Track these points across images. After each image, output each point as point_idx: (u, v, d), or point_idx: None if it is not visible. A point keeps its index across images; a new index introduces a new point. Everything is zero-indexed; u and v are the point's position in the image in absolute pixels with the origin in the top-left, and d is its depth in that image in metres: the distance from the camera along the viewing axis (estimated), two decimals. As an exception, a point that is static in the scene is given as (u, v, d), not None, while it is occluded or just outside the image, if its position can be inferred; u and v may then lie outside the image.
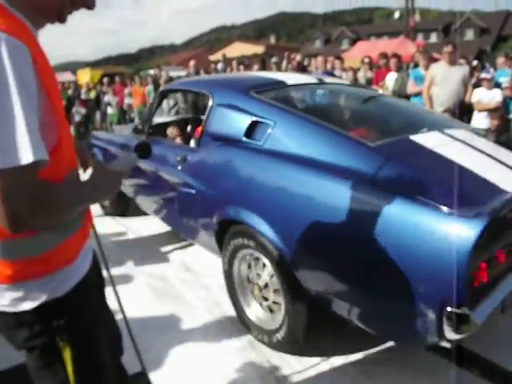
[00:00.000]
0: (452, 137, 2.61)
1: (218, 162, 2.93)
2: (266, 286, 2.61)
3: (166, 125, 4.77)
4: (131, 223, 4.99)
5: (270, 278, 2.56)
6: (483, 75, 6.60)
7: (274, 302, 2.59)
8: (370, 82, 8.70)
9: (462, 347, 2.25)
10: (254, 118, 2.73)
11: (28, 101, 1.00)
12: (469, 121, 6.46)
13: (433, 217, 1.79)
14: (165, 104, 4.92)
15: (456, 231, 1.71)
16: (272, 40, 59.23)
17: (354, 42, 43.42)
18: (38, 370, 1.30)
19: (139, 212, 4.67)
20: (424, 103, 6.36)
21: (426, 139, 2.49)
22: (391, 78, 7.48)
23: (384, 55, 8.27)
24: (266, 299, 2.66)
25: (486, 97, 6.18)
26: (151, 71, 16.56)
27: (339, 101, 3.55)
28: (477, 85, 6.85)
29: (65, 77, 23.18)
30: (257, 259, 2.64)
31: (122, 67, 38.82)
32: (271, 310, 2.65)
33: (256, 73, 4.89)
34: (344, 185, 2.08)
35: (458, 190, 1.74)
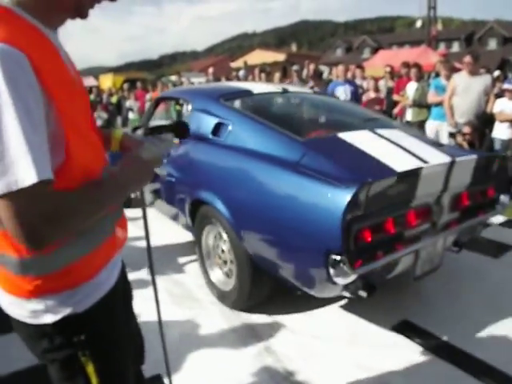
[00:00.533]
0: (379, 135, 3.13)
1: (191, 156, 3.57)
2: (224, 254, 3.26)
3: (160, 127, 5.11)
4: (150, 228, 5.03)
5: (227, 248, 3.16)
6: (506, 86, 6.51)
7: (229, 269, 3.22)
8: (390, 91, 8.68)
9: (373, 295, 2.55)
10: (218, 120, 3.39)
11: (27, 114, 0.92)
12: (490, 131, 6.39)
13: (325, 188, 2.36)
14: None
15: (336, 195, 2.26)
16: (293, 48, 59.33)
17: (375, 51, 43.28)
18: (59, 380, 1.26)
19: (158, 215, 4.70)
20: (445, 113, 6.32)
21: (352, 136, 3.04)
22: (412, 88, 7.46)
23: (406, 64, 8.26)
24: (225, 264, 3.29)
25: (508, 107, 6.11)
26: (173, 77, 16.73)
27: (292, 106, 4.32)
28: (499, 95, 6.78)
29: (88, 82, 23.52)
30: (218, 233, 3.25)
31: (144, 73, 39.28)
32: (227, 275, 3.28)
33: (230, 83, 5.68)
34: (276, 170, 2.72)
35: (356, 170, 2.50)
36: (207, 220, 3.29)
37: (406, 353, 2.68)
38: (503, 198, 3.31)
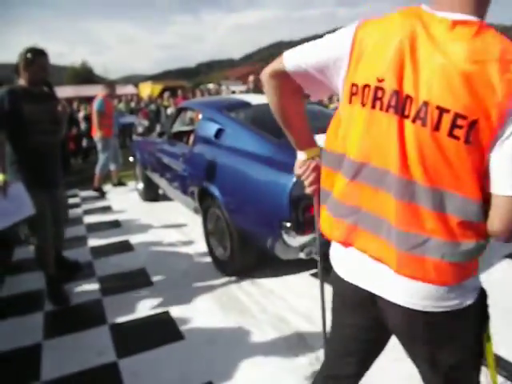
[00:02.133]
0: None
1: (199, 154, 4.40)
2: (222, 231, 3.97)
3: (181, 132, 6.40)
4: (195, 235, 5.08)
5: (223, 226, 3.89)
6: None
7: (226, 242, 3.91)
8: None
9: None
10: (219, 126, 4.21)
11: None
12: None
13: (281, 174, 3.13)
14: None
15: (287, 179, 3.02)
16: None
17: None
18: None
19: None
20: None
21: (322, 137, 3.22)
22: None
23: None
24: (222, 240, 4.01)
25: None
26: (210, 85, 16.89)
27: None
28: None
29: (127, 90, 24.04)
30: (217, 214, 3.99)
31: (182, 81, 39.81)
32: (225, 248, 3.98)
33: (238, 96, 6.25)
34: (253, 163, 3.53)
35: None
36: (210, 205, 4.09)
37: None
38: None
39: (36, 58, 3.34)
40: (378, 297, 1.29)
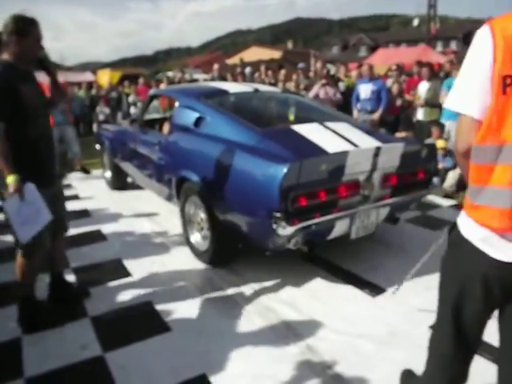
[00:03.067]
0: (325, 126, 3.82)
1: (177, 143, 4.33)
2: (202, 220, 3.90)
3: (153, 120, 6.26)
4: (168, 224, 4.99)
5: (203, 215, 3.82)
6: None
7: (205, 233, 3.88)
8: (402, 91, 8.55)
9: (313, 250, 3.52)
10: (199, 114, 4.14)
11: None
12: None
13: (270, 164, 3.10)
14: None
15: (277, 169, 2.97)
16: (289, 45, 59.20)
17: (371, 49, 43.24)
18: None
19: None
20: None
21: (303, 127, 3.74)
22: (423, 87, 7.39)
23: (420, 63, 8.17)
24: (202, 230, 3.96)
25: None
26: (170, 73, 16.61)
27: (259, 103, 5.06)
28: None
29: (85, 77, 23.33)
30: (197, 203, 3.92)
31: (140, 69, 38.96)
32: (204, 238, 3.94)
33: (213, 83, 6.30)
34: (238, 152, 3.43)
35: (297, 152, 3.24)
36: (189, 193, 4.00)
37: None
38: (436, 180, 4.04)
39: (30, 27, 2.71)
40: None
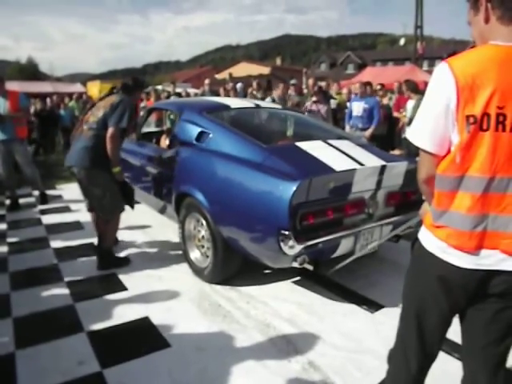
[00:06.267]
0: (329, 144, 3.82)
1: (178, 157, 4.18)
2: (203, 237, 3.85)
3: (151, 133, 6.17)
4: (162, 237, 4.95)
5: (205, 232, 3.78)
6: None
7: (206, 250, 3.83)
8: (389, 109, 8.65)
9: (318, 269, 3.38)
10: (201, 129, 4.05)
11: None
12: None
13: (278, 181, 3.05)
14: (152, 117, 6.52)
15: (286, 187, 2.95)
16: (278, 61, 59.64)
17: (359, 67, 43.79)
18: None
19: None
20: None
21: (307, 144, 3.73)
22: (410, 105, 7.48)
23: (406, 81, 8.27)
24: (202, 247, 3.92)
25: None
26: (159, 87, 16.60)
27: (262, 119, 5.10)
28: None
29: (75, 88, 23.27)
30: (198, 220, 3.87)
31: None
32: (204, 255, 3.91)
33: (213, 98, 6.22)
34: (244, 168, 3.41)
35: (304, 170, 3.19)
36: (190, 209, 3.93)
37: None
38: None
39: None
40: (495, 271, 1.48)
